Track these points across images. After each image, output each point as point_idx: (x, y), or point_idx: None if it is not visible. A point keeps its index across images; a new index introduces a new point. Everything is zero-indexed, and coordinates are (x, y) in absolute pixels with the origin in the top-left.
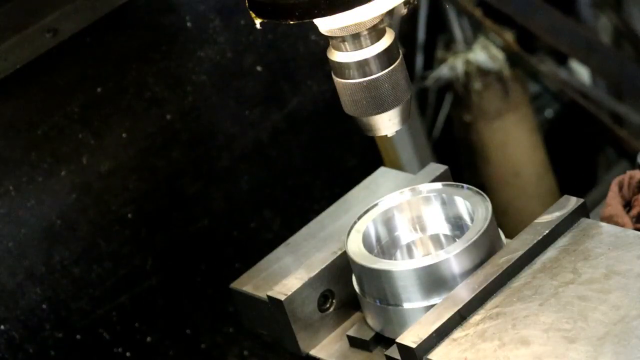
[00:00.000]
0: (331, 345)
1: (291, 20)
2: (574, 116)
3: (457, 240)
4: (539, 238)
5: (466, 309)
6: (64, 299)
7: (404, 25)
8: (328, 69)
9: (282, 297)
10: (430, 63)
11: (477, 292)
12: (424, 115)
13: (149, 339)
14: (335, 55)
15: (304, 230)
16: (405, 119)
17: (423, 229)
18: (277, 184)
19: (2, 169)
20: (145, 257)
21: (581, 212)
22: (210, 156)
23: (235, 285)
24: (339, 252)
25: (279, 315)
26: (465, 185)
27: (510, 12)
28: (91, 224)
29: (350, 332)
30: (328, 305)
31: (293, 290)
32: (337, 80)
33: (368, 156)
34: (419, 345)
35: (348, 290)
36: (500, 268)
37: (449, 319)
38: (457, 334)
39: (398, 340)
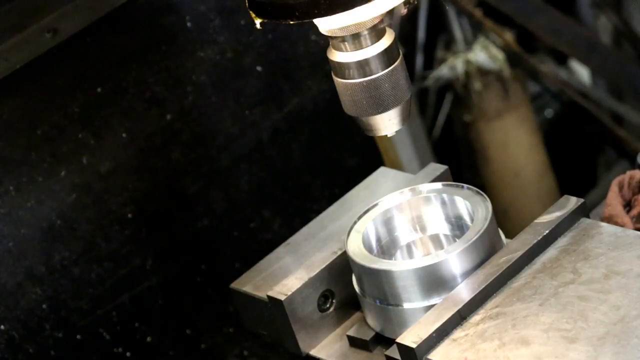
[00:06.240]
0: (331, 345)
1: (291, 20)
2: (574, 116)
3: (457, 240)
4: (539, 238)
5: (466, 309)
6: (64, 299)
7: (404, 25)
8: (328, 69)
9: (282, 297)
10: (430, 63)
11: (477, 292)
12: (424, 115)
13: (149, 339)
14: (335, 55)
15: (304, 230)
16: (405, 119)
17: (423, 229)
18: (277, 184)
19: (2, 169)
20: (145, 257)
21: (581, 212)
22: (210, 156)
23: (235, 285)
24: (339, 252)
25: (279, 315)
26: (465, 185)
27: (510, 12)
28: (91, 224)
29: (350, 332)
30: (328, 305)
31: (293, 290)
32: (337, 80)
33: (368, 156)
34: (419, 345)
35: (348, 290)
36: (500, 268)
37: (449, 319)
38: (457, 334)
39: (398, 340)
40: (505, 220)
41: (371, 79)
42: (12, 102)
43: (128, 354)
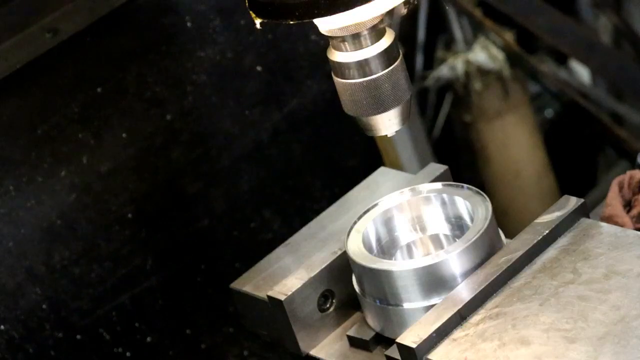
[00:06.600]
0: (331, 345)
1: (291, 20)
2: (574, 116)
3: (457, 240)
4: (539, 238)
5: (466, 309)
6: (64, 299)
7: (404, 25)
8: (328, 69)
9: (282, 297)
10: (430, 63)
11: (477, 292)
12: (424, 115)
13: (149, 339)
14: (335, 55)
15: (304, 230)
16: (405, 119)
17: (423, 229)
18: (277, 184)
19: (2, 169)
20: (145, 257)
21: (581, 212)
22: (210, 156)
23: (235, 285)
24: (339, 252)
25: (279, 315)
26: (465, 185)
27: (510, 12)
28: (91, 224)
29: (350, 332)
30: (328, 305)
31: (293, 290)
32: (337, 80)
33: (368, 156)
34: (419, 345)
35: (348, 290)
36: (500, 268)
37: (449, 319)
38: (457, 334)
39: (398, 340)
40: (505, 220)
41: (371, 79)
42: (12, 102)
43: (128, 354)
